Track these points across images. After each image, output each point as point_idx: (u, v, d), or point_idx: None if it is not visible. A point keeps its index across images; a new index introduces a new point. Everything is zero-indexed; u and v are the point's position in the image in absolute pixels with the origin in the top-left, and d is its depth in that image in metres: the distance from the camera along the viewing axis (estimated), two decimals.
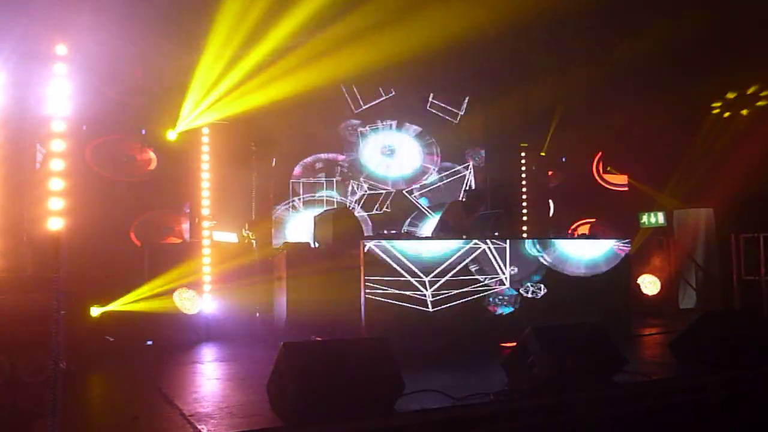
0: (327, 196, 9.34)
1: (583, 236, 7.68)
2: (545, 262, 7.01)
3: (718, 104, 10.51)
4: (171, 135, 7.95)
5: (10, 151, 5.88)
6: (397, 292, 6.23)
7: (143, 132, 8.01)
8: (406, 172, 9.87)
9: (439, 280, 6.46)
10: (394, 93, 9.72)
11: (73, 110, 6.23)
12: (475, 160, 10.32)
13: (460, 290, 6.55)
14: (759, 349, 5.59)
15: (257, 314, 7.80)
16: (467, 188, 8.46)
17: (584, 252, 7.26)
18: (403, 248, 6.33)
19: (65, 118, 6.04)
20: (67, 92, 6.06)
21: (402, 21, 7.86)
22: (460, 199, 8.01)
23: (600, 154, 11.17)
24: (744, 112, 10.28)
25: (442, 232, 7.49)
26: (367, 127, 9.68)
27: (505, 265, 6.78)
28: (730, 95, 10.31)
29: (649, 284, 9.88)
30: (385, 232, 9.25)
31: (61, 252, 3.79)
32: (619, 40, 8.57)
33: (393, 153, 9.78)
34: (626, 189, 11.18)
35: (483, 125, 10.38)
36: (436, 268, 6.48)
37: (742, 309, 9.09)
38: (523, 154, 10.60)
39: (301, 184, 9.23)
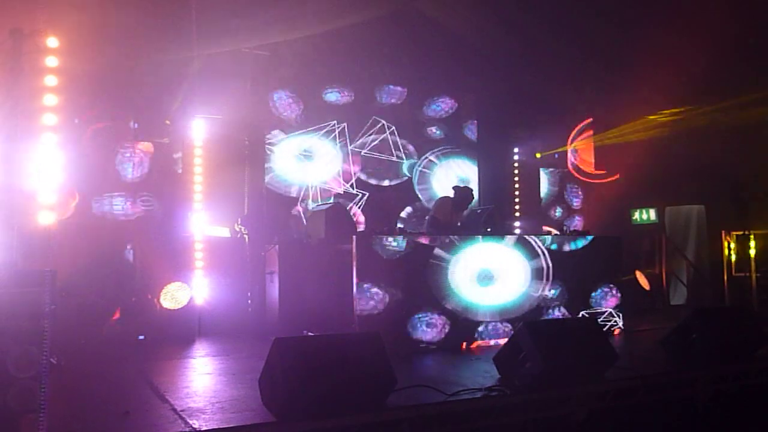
0: None
1: (576, 233, 7.66)
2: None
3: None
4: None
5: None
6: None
7: (135, 125, 7.96)
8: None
9: None
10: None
11: (66, 101, 6.18)
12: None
13: None
14: (749, 345, 5.64)
15: (249, 309, 7.80)
16: (456, 184, 8.42)
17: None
18: None
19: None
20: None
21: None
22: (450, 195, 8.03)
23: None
24: None
25: (432, 228, 7.50)
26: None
27: None
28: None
29: (640, 280, 9.93)
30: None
31: (51, 246, 3.78)
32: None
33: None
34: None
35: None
36: None
37: (733, 305, 9.15)
38: (516, 149, 10.61)
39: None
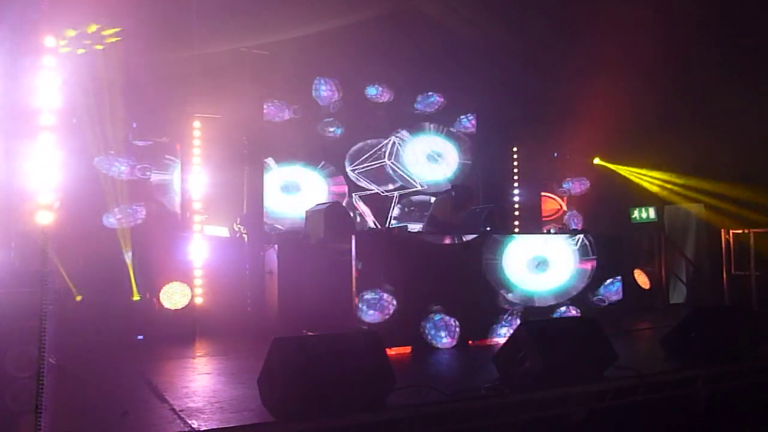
0: None
1: (574, 231, 7.66)
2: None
3: None
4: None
5: None
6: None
7: (134, 125, 7.96)
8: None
9: None
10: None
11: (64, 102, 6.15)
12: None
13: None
14: (748, 343, 5.64)
15: (248, 308, 7.79)
16: (456, 184, 8.39)
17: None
18: None
19: (55, 110, 5.90)
20: (57, 84, 5.92)
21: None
22: (450, 194, 8.04)
23: None
24: None
25: (431, 227, 7.50)
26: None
27: None
28: None
29: (641, 279, 9.92)
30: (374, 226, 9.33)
31: (49, 246, 3.77)
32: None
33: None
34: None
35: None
36: None
37: (732, 304, 9.14)
38: (515, 148, 10.59)
39: None
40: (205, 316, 7.41)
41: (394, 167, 9.74)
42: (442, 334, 6.34)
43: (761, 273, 9.15)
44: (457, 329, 6.43)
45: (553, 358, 4.50)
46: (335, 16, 7.82)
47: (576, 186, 10.78)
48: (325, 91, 9.13)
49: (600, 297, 7.31)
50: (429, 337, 6.34)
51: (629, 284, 9.25)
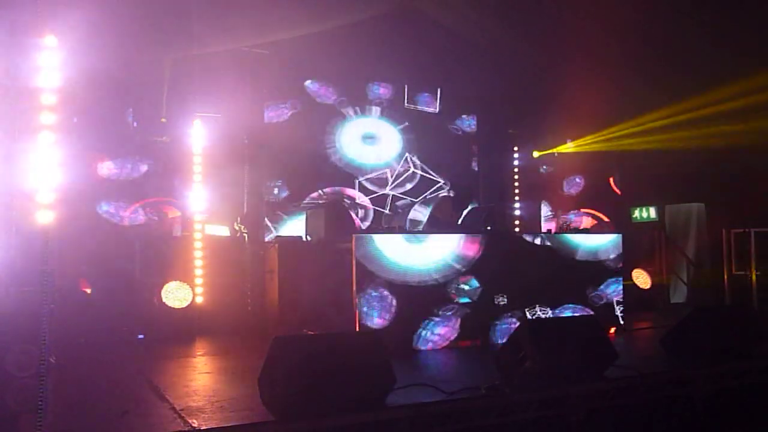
0: None
1: (576, 231, 7.67)
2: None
3: None
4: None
5: None
6: None
7: (135, 124, 7.96)
8: None
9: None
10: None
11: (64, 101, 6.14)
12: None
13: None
14: (749, 343, 5.64)
15: (249, 308, 7.79)
16: (456, 184, 8.37)
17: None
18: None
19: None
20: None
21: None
22: (450, 195, 8.05)
23: None
24: None
25: (432, 227, 7.51)
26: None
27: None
28: None
29: (641, 279, 9.92)
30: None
31: (50, 245, 3.77)
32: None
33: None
34: None
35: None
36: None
37: (732, 304, 9.14)
38: (515, 148, 10.60)
39: None
40: (205, 316, 7.41)
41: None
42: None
43: (761, 273, 9.15)
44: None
45: (553, 358, 4.51)
46: (337, 16, 7.82)
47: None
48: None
49: (598, 294, 7.26)
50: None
51: (629, 284, 9.27)
